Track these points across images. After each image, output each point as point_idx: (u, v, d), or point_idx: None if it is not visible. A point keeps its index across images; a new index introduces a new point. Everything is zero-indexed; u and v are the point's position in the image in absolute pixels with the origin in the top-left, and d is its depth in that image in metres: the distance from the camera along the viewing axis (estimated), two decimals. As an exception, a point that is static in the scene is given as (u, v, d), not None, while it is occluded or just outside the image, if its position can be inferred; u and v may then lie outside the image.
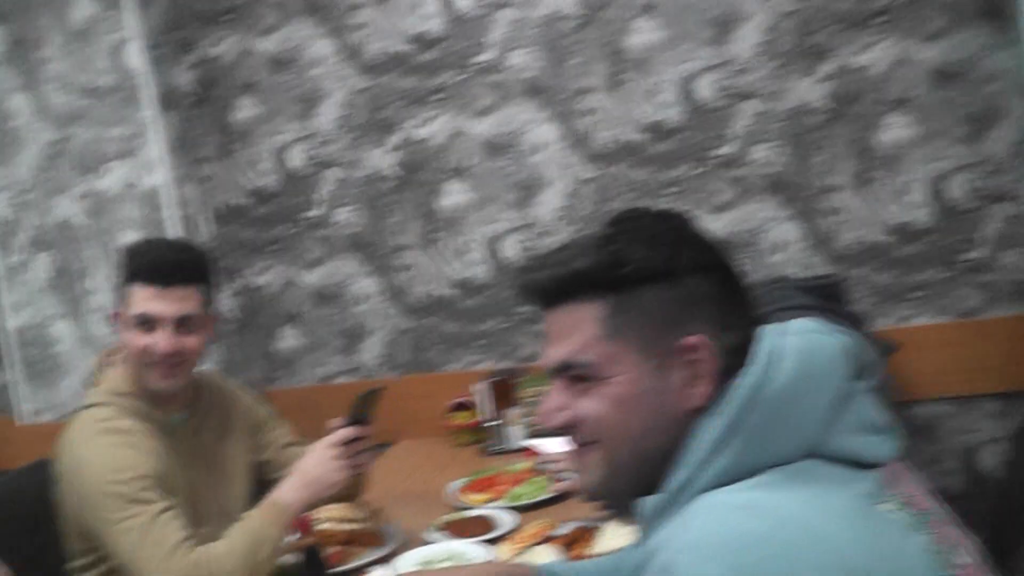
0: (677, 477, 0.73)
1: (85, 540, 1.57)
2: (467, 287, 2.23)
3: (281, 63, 2.31)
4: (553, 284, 0.81)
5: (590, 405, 0.79)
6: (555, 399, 0.81)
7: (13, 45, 2.39)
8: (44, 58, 2.37)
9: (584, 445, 0.81)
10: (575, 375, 0.80)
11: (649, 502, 0.74)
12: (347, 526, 1.58)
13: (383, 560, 1.51)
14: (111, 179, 2.33)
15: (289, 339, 2.40)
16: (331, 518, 1.57)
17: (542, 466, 1.73)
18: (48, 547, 1.66)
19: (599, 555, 1.32)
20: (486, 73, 2.21)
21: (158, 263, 1.53)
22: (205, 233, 2.38)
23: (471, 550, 1.48)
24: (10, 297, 2.50)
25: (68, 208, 2.39)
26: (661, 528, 0.72)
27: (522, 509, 1.64)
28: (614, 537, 1.37)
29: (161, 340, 1.49)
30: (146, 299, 1.50)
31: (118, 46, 2.29)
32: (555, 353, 0.81)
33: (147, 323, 1.50)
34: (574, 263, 0.79)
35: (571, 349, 0.79)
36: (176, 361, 1.52)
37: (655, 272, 0.76)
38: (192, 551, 1.43)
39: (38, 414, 2.53)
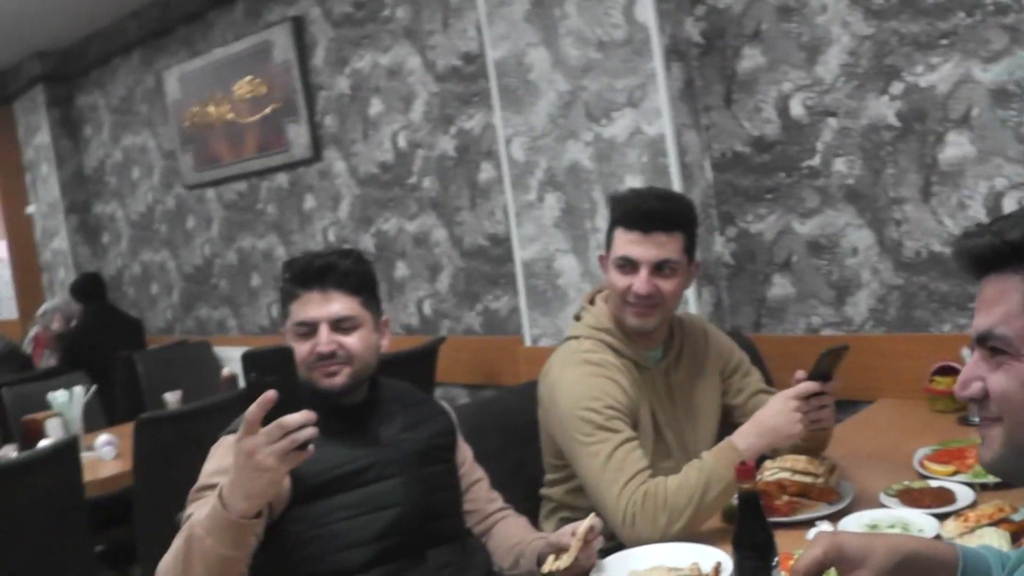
0: None
1: (557, 457, 2.31)
2: None
3: (788, 10, 3.18)
4: (983, 252, 1.04)
5: (1000, 380, 1.03)
6: (972, 369, 1.07)
7: (535, 4, 3.58)
8: (563, 14, 3.51)
9: (989, 419, 1.07)
10: (993, 347, 1.04)
11: None
12: (802, 478, 2.05)
13: (831, 517, 1.94)
14: (617, 127, 3.43)
15: (779, 287, 3.34)
16: (789, 469, 2.07)
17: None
18: (529, 460, 2.56)
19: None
20: (1001, 14, 2.79)
21: (641, 210, 2.18)
22: (703, 180, 3.40)
23: (920, 521, 1.84)
24: (522, 231, 3.77)
25: (577, 152, 3.56)
26: None
27: (984, 487, 1.99)
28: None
29: (639, 282, 2.15)
30: (628, 243, 2.16)
31: (631, 1, 3.33)
32: (978, 323, 1.06)
33: (628, 265, 2.17)
34: (1009, 233, 1.01)
35: (992, 320, 1.03)
36: (652, 303, 2.17)
37: None
38: (647, 482, 2.00)
39: (539, 339, 3.80)
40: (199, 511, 1.66)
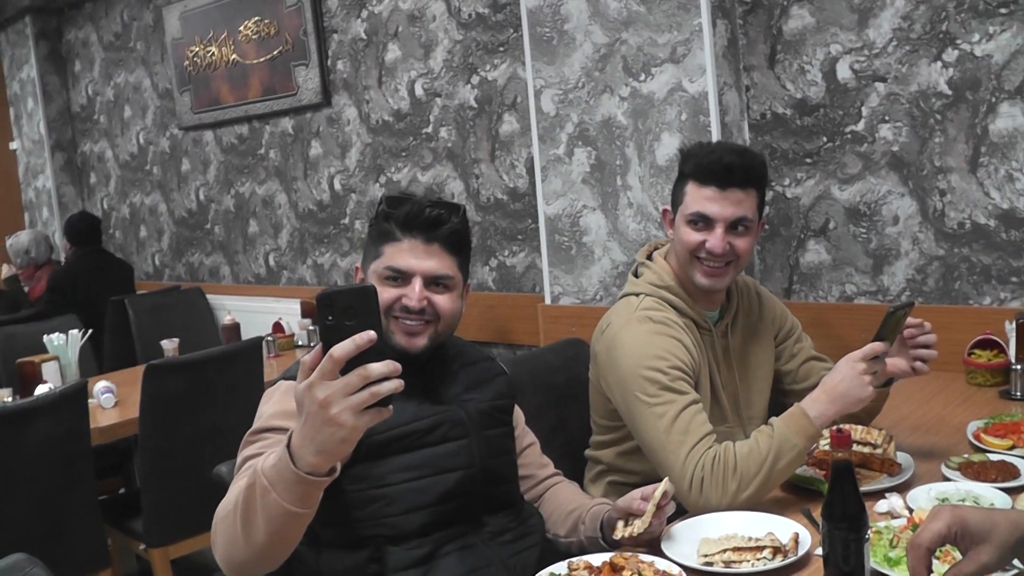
0: None
1: (609, 418, 2.32)
2: (1009, 218, 2.93)
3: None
4: None
5: None
6: None
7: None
8: (605, -37, 3.49)
9: None
10: None
11: None
12: (862, 449, 2.05)
13: (895, 489, 1.95)
14: (657, 82, 3.41)
15: (813, 253, 3.35)
16: None
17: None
18: (568, 420, 2.59)
19: None
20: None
21: (720, 164, 2.14)
22: (740, 141, 3.39)
23: (990, 495, 1.85)
24: (548, 186, 3.76)
25: (612, 107, 3.54)
26: None
27: None
28: None
29: (714, 239, 2.14)
30: (702, 199, 2.15)
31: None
32: None
33: (701, 221, 2.16)
34: None
35: None
36: (726, 261, 2.18)
37: None
38: (715, 446, 1.99)
39: (560, 297, 3.80)
40: (265, 458, 1.49)
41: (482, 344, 4.35)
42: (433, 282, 1.87)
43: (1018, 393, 2.67)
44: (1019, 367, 2.69)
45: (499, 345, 4.38)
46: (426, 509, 1.82)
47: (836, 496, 1.53)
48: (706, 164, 2.16)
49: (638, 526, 1.78)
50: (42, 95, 7.53)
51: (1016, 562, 1.36)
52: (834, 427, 1.69)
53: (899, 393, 2.75)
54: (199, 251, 6.52)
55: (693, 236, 2.18)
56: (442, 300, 1.88)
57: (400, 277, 1.86)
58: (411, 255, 1.86)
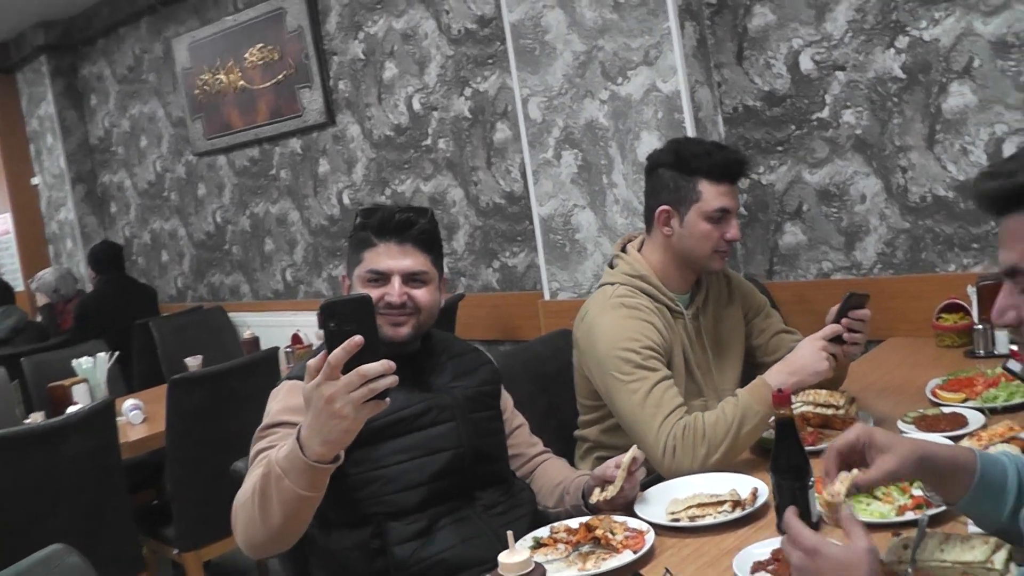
0: None
1: (592, 398, 2.50)
2: (966, 189, 3.12)
3: (795, -31, 3.38)
4: (998, 194, 1.15)
5: None
6: (1003, 300, 1.20)
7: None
8: (578, -25, 3.70)
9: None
10: (1021, 279, 1.15)
11: None
12: (824, 411, 2.26)
13: None
14: (633, 85, 3.62)
15: (790, 235, 3.55)
16: (811, 402, 2.28)
17: (1008, 369, 2.32)
18: (559, 404, 2.79)
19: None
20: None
21: (734, 161, 2.39)
22: (716, 134, 3.59)
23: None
24: (540, 189, 3.97)
25: (594, 111, 3.75)
26: None
27: (993, 411, 2.22)
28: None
29: (733, 229, 2.39)
30: (721, 195, 2.37)
31: (645, -38, 3.53)
32: (1004, 258, 1.18)
33: (723, 216, 2.38)
34: (1019, 176, 1.12)
35: (1016, 256, 1.14)
36: (730, 248, 2.45)
37: None
38: (685, 417, 2.18)
39: (558, 293, 4.01)
40: (278, 450, 1.71)
41: (489, 342, 4.57)
42: (411, 278, 2.06)
43: (981, 351, 2.86)
44: (981, 327, 2.87)
45: (505, 342, 4.59)
46: (421, 487, 2.02)
47: (781, 450, 1.70)
48: (720, 163, 2.38)
49: (611, 490, 1.98)
50: (60, 130, 7.80)
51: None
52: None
53: (871, 360, 2.98)
54: (219, 271, 6.76)
55: (714, 230, 2.39)
56: (420, 294, 2.07)
57: (381, 278, 2.06)
58: (388, 257, 2.06)
